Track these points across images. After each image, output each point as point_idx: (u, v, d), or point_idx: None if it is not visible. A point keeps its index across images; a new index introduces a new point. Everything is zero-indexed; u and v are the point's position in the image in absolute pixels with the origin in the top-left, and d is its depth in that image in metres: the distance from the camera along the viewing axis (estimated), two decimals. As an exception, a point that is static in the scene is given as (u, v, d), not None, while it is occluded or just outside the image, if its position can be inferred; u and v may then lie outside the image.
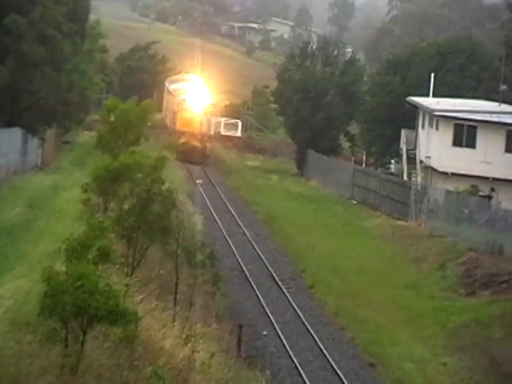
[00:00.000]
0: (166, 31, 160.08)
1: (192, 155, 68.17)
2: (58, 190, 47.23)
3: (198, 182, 59.20)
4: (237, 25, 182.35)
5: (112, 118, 42.51)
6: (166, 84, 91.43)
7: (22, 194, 46.58)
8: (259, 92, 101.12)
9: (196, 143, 71.53)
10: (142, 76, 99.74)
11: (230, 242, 47.28)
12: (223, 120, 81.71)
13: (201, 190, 59.51)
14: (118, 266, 25.53)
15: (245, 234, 49.89)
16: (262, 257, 45.09)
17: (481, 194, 57.57)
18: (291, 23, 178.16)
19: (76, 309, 18.17)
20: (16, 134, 54.44)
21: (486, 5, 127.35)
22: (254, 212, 59.69)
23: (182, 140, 70.51)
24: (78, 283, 18.15)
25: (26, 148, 57.30)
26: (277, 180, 75.29)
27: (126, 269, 26.81)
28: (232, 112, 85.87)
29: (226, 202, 59.64)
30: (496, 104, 64.95)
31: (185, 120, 73.62)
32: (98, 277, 18.97)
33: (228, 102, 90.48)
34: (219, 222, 51.43)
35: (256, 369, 28.09)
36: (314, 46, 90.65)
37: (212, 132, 76.02)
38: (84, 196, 32.74)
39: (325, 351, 31.10)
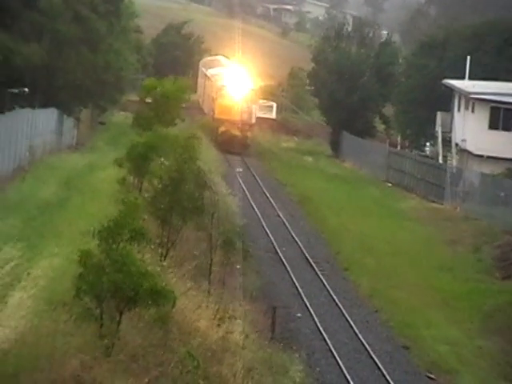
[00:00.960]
0: (201, 12, 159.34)
1: (232, 145, 65.72)
2: (92, 169, 46.68)
3: (237, 170, 57.72)
4: (272, 6, 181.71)
5: (149, 99, 42.43)
6: (202, 68, 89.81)
7: (57, 173, 45.81)
8: (295, 74, 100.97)
9: (236, 132, 68.71)
10: (176, 53, 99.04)
11: (263, 224, 46.95)
12: (259, 102, 79.57)
13: (236, 172, 58.90)
14: (152, 247, 25.07)
15: (279, 215, 49.49)
16: (296, 239, 44.78)
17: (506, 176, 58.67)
18: (326, 5, 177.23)
19: (113, 289, 18.21)
20: (52, 113, 54.34)
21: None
22: (289, 193, 59.44)
23: (222, 129, 67.91)
24: (117, 264, 18.24)
25: (62, 128, 57.36)
26: (311, 161, 75.21)
27: (160, 249, 26.78)
28: (267, 94, 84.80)
29: (261, 183, 59.45)
30: None
31: (224, 107, 69.72)
32: (136, 258, 19.06)
33: (263, 84, 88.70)
34: (253, 204, 51.09)
35: (290, 350, 27.92)
36: (349, 28, 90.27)
37: (253, 120, 72.58)
38: (119, 175, 32.83)
39: (359, 334, 30.86)
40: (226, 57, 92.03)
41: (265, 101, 79.20)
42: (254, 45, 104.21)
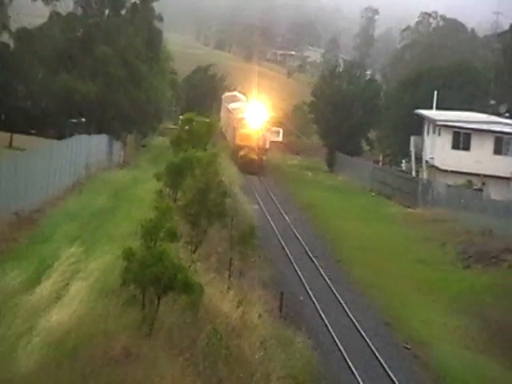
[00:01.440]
0: (223, 56, 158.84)
1: (250, 166, 64.78)
2: (136, 182, 44.81)
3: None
4: (279, 52, 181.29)
5: (187, 128, 41.07)
6: (224, 102, 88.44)
7: (107, 186, 44.14)
8: (299, 106, 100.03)
9: (254, 156, 67.97)
10: (203, 90, 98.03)
11: (273, 225, 46.23)
12: (271, 130, 76.83)
13: (252, 185, 57.36)
14: (184, 245, 24.90)
15: (285, 218, 48.71)
16: (299, 237, 44.22)
17: (474, 187, 57.06)
18: (322, 50, 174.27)
19: (153, 279, 18.17)
20: (103, 138, 53.78)
21: (480, 37, 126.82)
22: (294, 200, 58.33)
23: (242, 153, 67.62)
24: (155, 259, 18.15)
25: (111, 150, 56.69)
26: (311, 175, 73.92)
27: (190, 247, 26.19)
28: (276, 122, 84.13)
29: (270, 192, 58.33)
30: (486, 115, 64.99)
31: (244, 135, 69.69)
32: (171, 254, 18.82)
33: (273, 114, 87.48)
34: (264, 209, 50.12)
35: (294, 327, 27.24)
36: (341, 69, 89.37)
37: (267, 146, 71.56)
38: (157, 187, 31.47)
39: (349, 313, 30.44)
40: (243, 93, 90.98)
41: (274, 127, 78.57)
42: (266, 83, 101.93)
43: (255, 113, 71.11)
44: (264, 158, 68.99)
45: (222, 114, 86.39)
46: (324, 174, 77.24)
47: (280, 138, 77.93)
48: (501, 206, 49.54)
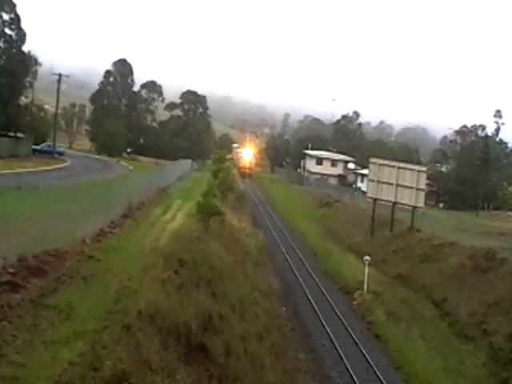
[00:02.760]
0: (231, 131, 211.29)
1: (245, 175, 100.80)
2: (202, 176, 60.62)
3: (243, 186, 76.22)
4: (254, 129, 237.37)
5: (217, 156, 68.22)
6: (234, 149, 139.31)
7: (191, 179, 64.32)
8: (261, 150, 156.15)
9: (247, 171, 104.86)
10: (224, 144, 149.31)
11: (250, 192, 71.87)
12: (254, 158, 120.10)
13: (247, 187, 79.93)
14: (218, 199, 34.28)
15: (255, 190, 76.31)
16: (260, 196, 68.95)
17: (323, 178, 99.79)
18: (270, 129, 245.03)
19: (207, 211, 26.96)
20: (189, 161, 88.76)
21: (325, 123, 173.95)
22: (258, 183, 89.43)
23: (242, 169, 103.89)
24: (210, 204, 27.28)
25: (192, 165, 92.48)
26: (265, 175, 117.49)
27: (220, 200, 35.88)
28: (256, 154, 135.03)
29: (249, 181, 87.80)
30: (330, 153, 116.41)
31: (243, 162, 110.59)
32: (216, 203, 27.99)
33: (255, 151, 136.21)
34: (248, 186, 74.70)
35: (259, 229, 43.90)
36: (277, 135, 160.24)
37: (253, 166, 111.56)
38: (209, 178, 45.74)
39: (278, 223, 52.02)
40: (242, 144, 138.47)
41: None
42: (253, 140, 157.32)
43: (248, 153, 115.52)
44: (252, 172, 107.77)
45: (234, 154, 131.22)
46: (269, 174, 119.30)
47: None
48: (334, 186, 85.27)
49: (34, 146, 71.19)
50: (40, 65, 79.39)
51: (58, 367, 11.67)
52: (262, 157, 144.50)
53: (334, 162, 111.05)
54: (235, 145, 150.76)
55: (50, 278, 17.08)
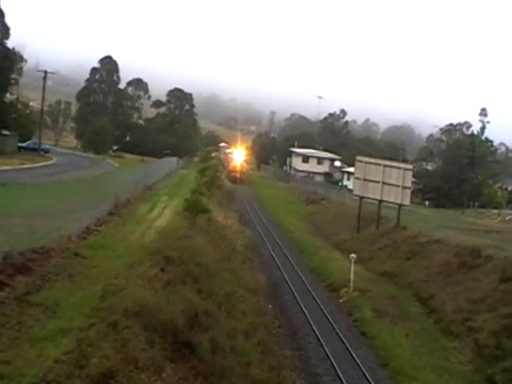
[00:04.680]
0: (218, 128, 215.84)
1: (236, 180, 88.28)
2: (189, 174, 62.99)
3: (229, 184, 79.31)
4: (243, 126, 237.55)
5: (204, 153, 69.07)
6: (222, 149, 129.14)
7: (178, 176, 66.05)
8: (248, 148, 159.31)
9: (238, 175, 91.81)
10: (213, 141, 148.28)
11: (239, 190, 70.15)
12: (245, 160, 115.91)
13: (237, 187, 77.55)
14: (205, 197, 34.13)
15: (242, 188, 72.80)
16: (248, 194, 67.37)
17: (310, 176, 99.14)
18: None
19: (194, 208, 27.40)
20: (175, 158, 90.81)
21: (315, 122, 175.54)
22: (248, 180, 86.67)
23: (231, 174, 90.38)
24: (197, 202, 27.58)
25: (179, 162, 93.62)
26: (252, 172, 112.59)
27: (207, 198, 36.00)
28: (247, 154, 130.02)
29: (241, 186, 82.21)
30: (316, 151, 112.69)
31: (233, 166, 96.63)
32: (203, 200, 28.56)
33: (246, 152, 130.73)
34: (239, 192, 70.68)
35: (246, 226, 43.77)
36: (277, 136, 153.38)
37: (244, 170, 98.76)
38: (196, 175, 47.83)
39: (264, 220, 51.92)
40: (230, 144, 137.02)
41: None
42: (242, 139, 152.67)
43: (238, 154, 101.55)
44: (243, 176, 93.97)
45: (221, 154, 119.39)
46: (259, 172, 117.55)
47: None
48: (320, 183, 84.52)
49: (19, 144, 71.71)
50: (25, 61, 79.72)
51: (43, 365, 11.74)
52: (248, 154, 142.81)
53: (320, 160, 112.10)
54: (223, 144, 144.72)
55: (35, 276, 17.17)
